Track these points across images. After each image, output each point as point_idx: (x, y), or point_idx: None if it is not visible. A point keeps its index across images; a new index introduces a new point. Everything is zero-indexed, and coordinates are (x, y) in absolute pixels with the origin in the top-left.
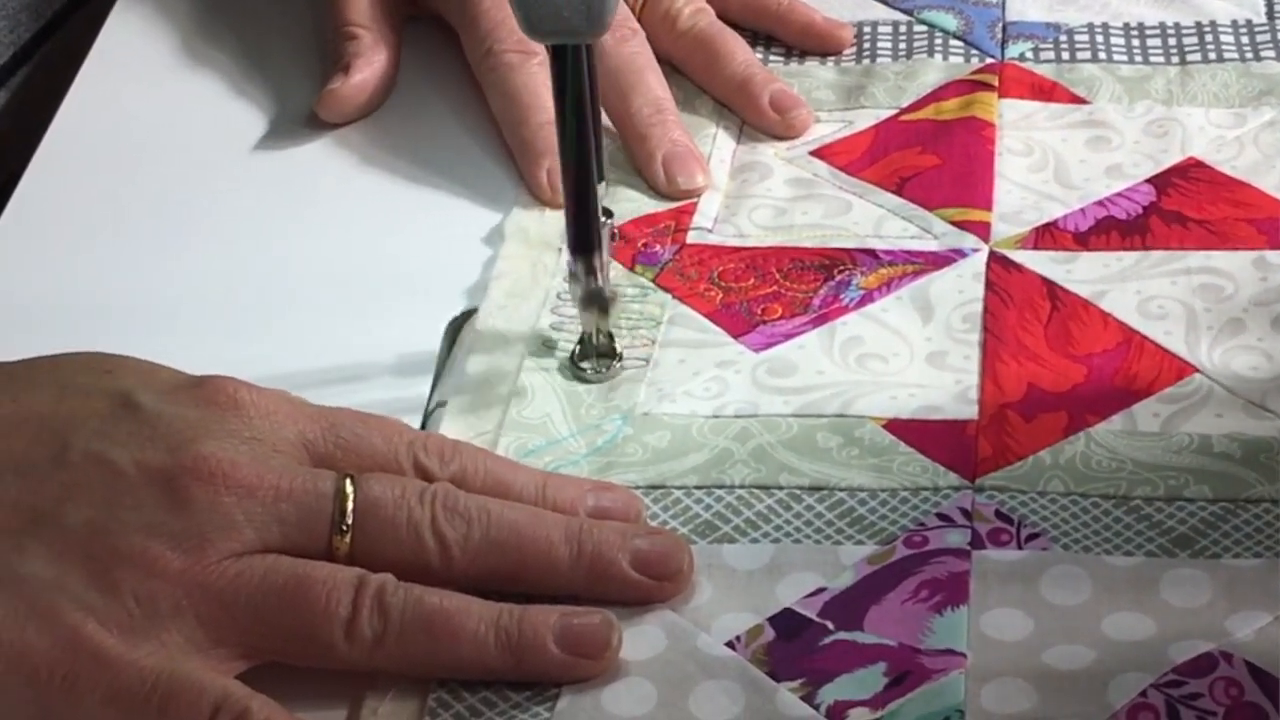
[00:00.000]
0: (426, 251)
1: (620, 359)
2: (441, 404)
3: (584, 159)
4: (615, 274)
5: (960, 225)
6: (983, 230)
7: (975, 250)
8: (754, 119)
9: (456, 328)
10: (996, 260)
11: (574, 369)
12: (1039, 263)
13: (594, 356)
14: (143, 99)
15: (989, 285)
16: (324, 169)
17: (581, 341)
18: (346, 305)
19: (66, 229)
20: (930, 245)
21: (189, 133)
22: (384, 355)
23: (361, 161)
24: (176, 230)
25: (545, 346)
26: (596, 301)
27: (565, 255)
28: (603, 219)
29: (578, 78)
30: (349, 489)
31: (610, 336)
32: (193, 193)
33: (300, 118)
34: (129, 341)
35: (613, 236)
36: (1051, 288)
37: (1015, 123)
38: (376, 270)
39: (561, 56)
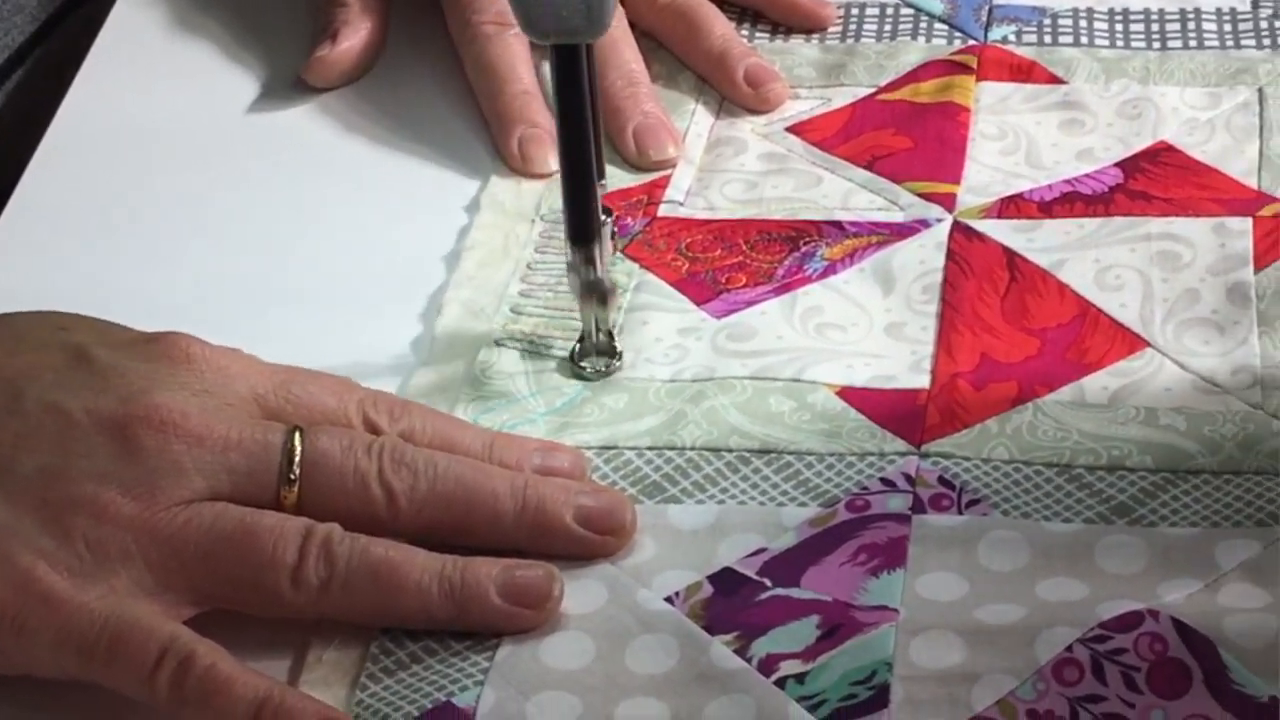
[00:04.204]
0: (405, 220)
1: (620, 357)
2: None
3: (583, 152)
4: None
5: (926, 197)
6: (948, 201)
7: (939, 220)
8: (728, 92)
9: None
10: (959, 230)
11: (574, 368)
12: (1001, 232)
13: (593, 355)
14: (143, 98)
15: (950, 255)
16: (310, 137)
17: (581, 340)
18: (337, 283)
19: (66, 228)
20: (896, 216)
21: (188, 132)
22: (363, 328)
23: (345, 129)
24: (174, 227)
25: (513, 313)
26: (596, 291)
27: (539, 226)
28: (602, 217)
29: (577, 76)
30: (297, 441)
31: (610, 335)
32: (191, 190)
33: (293, 94)
34: None
35: (612, 235)
36: (1011, 258)
37: (991, 106)
38: (356, 242)
39: (561, 56)
